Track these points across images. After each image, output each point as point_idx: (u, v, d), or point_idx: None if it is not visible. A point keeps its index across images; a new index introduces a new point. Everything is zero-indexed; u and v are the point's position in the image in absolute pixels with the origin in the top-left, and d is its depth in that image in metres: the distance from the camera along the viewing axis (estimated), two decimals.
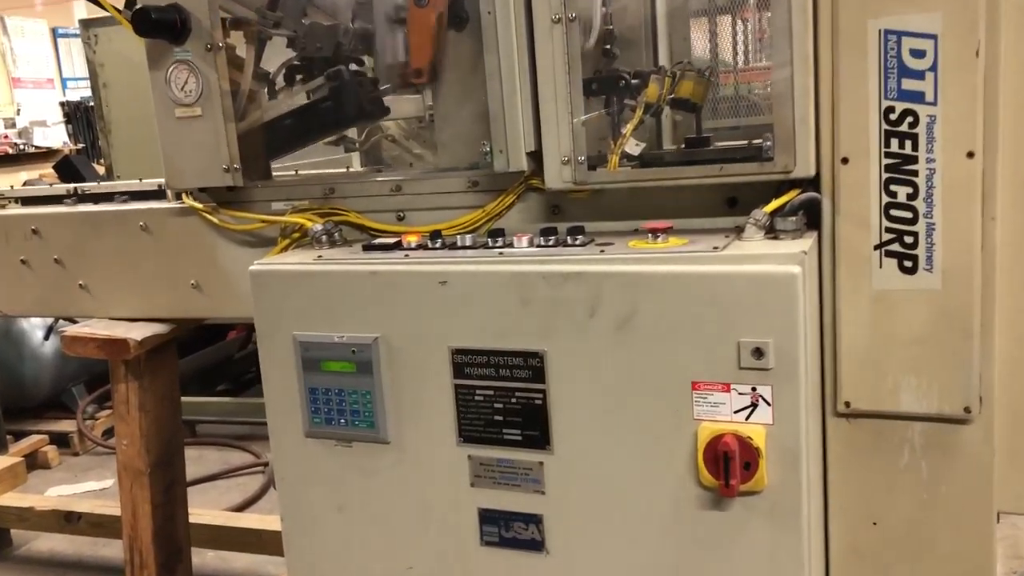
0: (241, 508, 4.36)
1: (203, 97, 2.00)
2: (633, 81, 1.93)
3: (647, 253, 1.56)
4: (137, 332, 2.22)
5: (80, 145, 8.77)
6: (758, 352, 1.46)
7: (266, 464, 4.86)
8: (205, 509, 3.73)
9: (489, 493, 1.70)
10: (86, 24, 5.11)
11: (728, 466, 1.47)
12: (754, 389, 1.48)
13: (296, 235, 2.05)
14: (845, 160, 1.59)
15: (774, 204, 1.61)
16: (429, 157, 2.68)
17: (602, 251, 1.61)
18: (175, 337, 2.34)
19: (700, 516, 1.55)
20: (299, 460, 1.85)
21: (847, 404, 1.65)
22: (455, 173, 1.93)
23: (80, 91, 9.69)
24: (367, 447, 1.78)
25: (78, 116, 9.07)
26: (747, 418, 1.49)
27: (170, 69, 2.01)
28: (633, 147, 1.85)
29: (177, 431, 2.45)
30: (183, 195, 2.17)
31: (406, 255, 1.74)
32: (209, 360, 5.86)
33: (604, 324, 1.55)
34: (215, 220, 2.11)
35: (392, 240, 1.84)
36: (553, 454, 1.64)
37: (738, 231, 1.66)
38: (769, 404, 1.48)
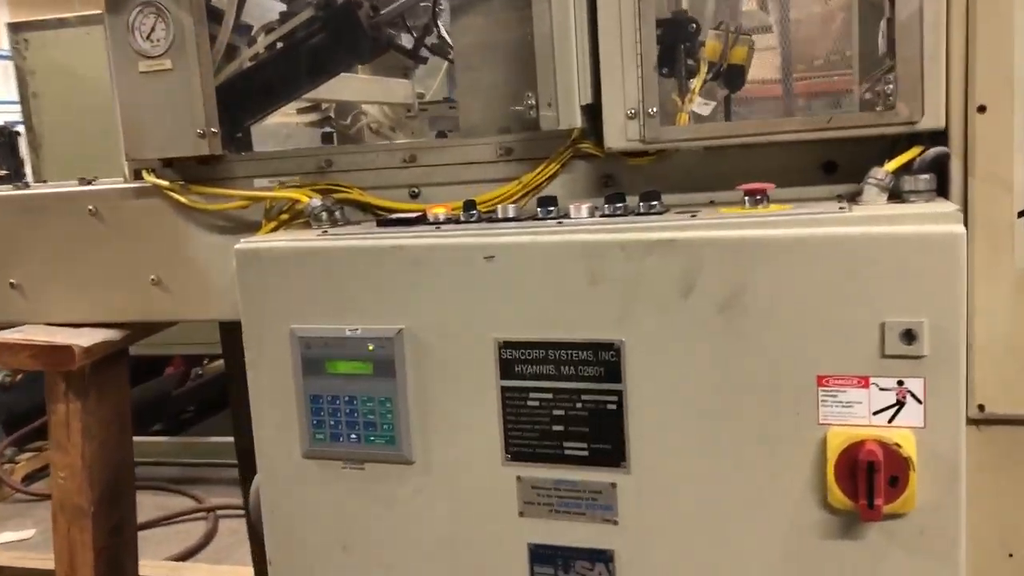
0: (183, 559, 3.90)
1: (174, 47, 1.64)
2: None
3: (756, 217, 1.25)
4: (84, 338, 1.83)
5: (3, 172, 8.20)
6: (908, 336, 1.15)
7: (210, 509, 4.40)
8: (144, 560, 3.28)
9: (543, 524, 1.35)
10: (16, 28, 4.68)
11: (872, 482, 1.15)
12: (901, 383, 1.17)
13: (284, 216, 1.69)
14: (982, 108, 1.30)
15: (899, 160, 1.32)
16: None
17: (693, 216, 1.29)
18: (127, 347, 1.96)
19: (824, 548, 1.23)
20: (295, 487, 1.47)
21: (980, 408, 1.34)
22: (483, 140, 1.60)
23: (5, 115, 9.13)
24: (384, 469, 1.42)
25: (1, 140, 8.51)
26: (890, 420, 1.18)
27: (133, 13, 1.65)
28: (701, 106, 1.55)
29: (127, 461, 2.05)
30: (144, 172, 1.80)
31: (437, 228, 1.41)
32: (144, 397, 5.38)
33: (703, 305, 1.23)
34: (184, 199, 1.74)
35: (413, 215, 1.50)
36: (630, 473, 1.30)
37: (848, 199, 1.36)
38: (920, 402, 1.17)
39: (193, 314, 1.83)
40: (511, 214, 1.42)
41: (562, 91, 1.44)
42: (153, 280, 1.82)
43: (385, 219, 1.50)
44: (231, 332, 2.62)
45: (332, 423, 1.42)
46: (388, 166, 1.66)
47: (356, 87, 2.16)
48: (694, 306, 1.23)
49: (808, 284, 1.18)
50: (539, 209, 1.41)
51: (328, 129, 2.35)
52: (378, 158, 1.67)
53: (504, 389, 1.34)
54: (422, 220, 1.46)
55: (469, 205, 1.45)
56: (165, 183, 1.75)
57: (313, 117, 2.14)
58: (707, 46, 1.60)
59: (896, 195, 1.31)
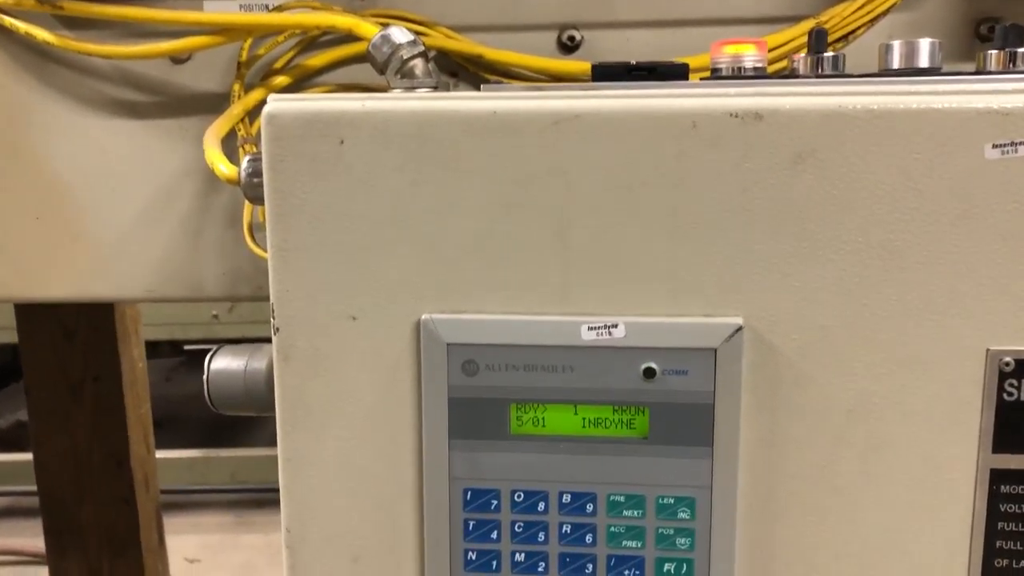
0: None
1: None
2: None
3: None
4: None
5: None
6: None
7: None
8: None
9: None
10: None
11: None
12: None
13: (281, 79, 0.80)
14: None
15: None
16: None
17: None
18: None
19: None
20: None
21: None
22: None
23: None
24: None
25: None
26: None
27: None
28: None
29: None
30: None
31: (786, 83, 0.58)
32: None
33: None
34: (49, 37, 0.80)
35: (641, 63, 0.65)
36: None
37: None
38: None
39: (47, 288, 0.89)
40: (926, 59, 0.61)
41: None
42: None
43: (606, 66, 0.64)
44: (33, 312, 1.61)
45: (520, 558, 0.57)
46: None
47: None
48: None
49: None
50: (999, 52, 0.61)
51: None
52: None
53: (998, 476, 0.54)
54: (685, 74, 0.63)
55: (820, 37, 0.63)
56: None
57: None
58: None
59: None
